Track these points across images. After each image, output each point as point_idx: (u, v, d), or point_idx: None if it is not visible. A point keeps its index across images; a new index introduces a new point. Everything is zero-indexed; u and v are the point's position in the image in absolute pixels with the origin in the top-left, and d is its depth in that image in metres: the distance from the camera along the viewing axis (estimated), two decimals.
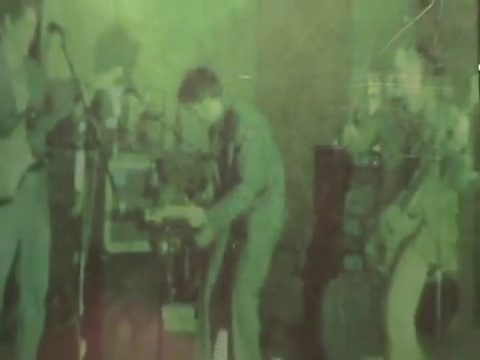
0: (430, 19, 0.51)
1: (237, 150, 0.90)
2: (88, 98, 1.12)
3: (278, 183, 1.17)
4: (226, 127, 0.99)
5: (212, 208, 1.00)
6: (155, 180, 0.85)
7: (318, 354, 0.79)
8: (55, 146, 0.75)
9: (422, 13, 0.47)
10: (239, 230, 0.86)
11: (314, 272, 0.85)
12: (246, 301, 1.11)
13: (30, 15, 1.05)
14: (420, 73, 0.63)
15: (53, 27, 1.18)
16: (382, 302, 0.93)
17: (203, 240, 1.04)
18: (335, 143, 0.85)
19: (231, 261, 0.81)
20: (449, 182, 0.76)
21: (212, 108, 1.07)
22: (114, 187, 0.94)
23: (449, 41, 0.54)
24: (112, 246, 0.77)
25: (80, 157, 0.85)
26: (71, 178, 0.87)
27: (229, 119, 0.98)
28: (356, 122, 0.77)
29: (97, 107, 0.86)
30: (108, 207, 0.79)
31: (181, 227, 0.74)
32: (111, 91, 0.90)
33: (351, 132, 0.76)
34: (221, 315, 0.82)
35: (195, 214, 0.99)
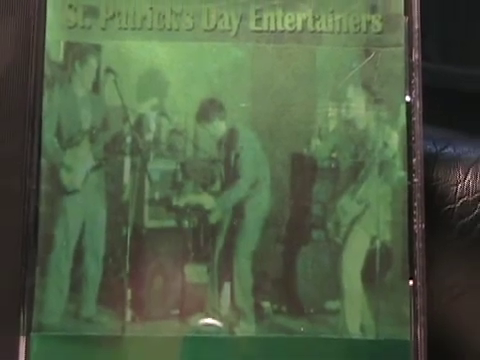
0: (371, 65, 0.48)
1: (237, 156, 0.84)
2: (133, 119, 1.06)
3: (265, 179, 1.10)
4: (229, 140, 0.93)
5: (219, 196, 0.95)
6: (179, 177, 0.79)
7: (294, 298, 0.73)
8: (110, 153, 0.71)
9: (366, 61, 0.45)
10: (238, 211, 0.81)
11: (291, 241, 0.78)
12: (243, 261, 1.05)
13: (92, 61, 1.01)
14: (364, 102, 0.59)
15: (108, 70, 1.16)
16: (338, 262, 0.87)
17: (213, 219, 0.98)
18: (305, 151, 0.79)
19: (233, 233, 0.77)
20: (385, 178, 0.71)
21: (219, 127, 1.01)
22: (150, 182, 0.87)
23: (384, 80, 0.51)
24: (149, 223, 0.72)
25: (127, 161, 0.80)
26: (121, 175, 0.82)
27: (231, 135, 0.92)
28: (320, 136, 0.71)
29: (139, 126, 0.82)
30: (146, 196, 0.74)
31: (197, 210, 0.70)
32: (149, 115, 0.85)
33: (316, 143, 0.71)
34: (225, 271, 0.78)
35: (207, 201, 0.93)
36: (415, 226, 0.29)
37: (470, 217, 0.33)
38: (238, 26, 0.30)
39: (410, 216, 0.29)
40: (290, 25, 0.31)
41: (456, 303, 0.33)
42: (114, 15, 0.30)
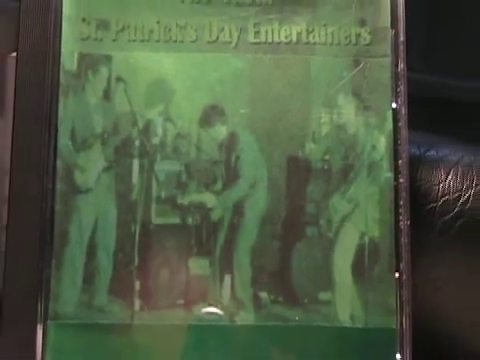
0: (360, 74, 0.48)
1: (237, 158, 0.84)
2: (141, 124, 1.06)
3: (263, 179, 1.09)
4: (230, 143, 0.93)
5: (221, 195, 0.94)
6: (184, 177, 0.79)
7: (290, 290, 0.73)
8: (120, 155, 0.71)
9: (355, 71, 0.44)
10: (238, 209, 0.81)
11: (287, 237, 0.78)
12: (242, 256, 1.04)
13: (103, 71, 1.00)
14: (354, 109, 0.59)
15: (118, 79, 1.15)
16: (330, 257, 0.86)
17: (215, 216, 0.97)
18: (300, 153, 0.79)
19: (233, 229, 0.77)
20: (373, 179, 0.70)
21: (220, 131, 1.00)
22: (157, 182, 0.86)
23: (373, 88, 0.51)
24: (156, 220, 0.72)
25: (136, 162, 0.80)
26: (130, 176, 0.82)
27: (232, 138, 0.92)
28: (313, 140, 0.71)
29: (146, 130, 0.82)
30: (153, 195, 0.74)
31: (200, 208, 0.70)
32: (155, 120, 0.84)
33: (310, 146, 0.70)
34: (226, 265, 0.78)
35: (210, 199, 0.93)
36: (401, 223, 0.29)
37: (450, 215, 0.33)
38: (238, 38, 0.30)
39: (396, 214, 0.29)
40: (286, 37, 0.31)
41: (438, 294, 0.33)
42: (124, 28, 0.30)
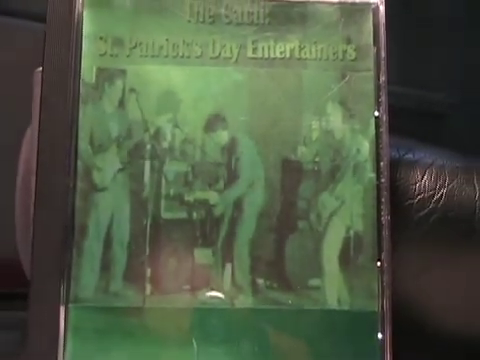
0: (347, 86, 0.47)
1: (237, 160, 0.82)
2: (151, 130, 1.04)
3: (260, 179, 1.07)
4: (231, 147, 0.91)
5: (222, 193, 0.92)
6: (190, 177, 0.77)
7: (283, 277, 0.72)
8: (133, 158, 0.69)
9: (342, 83, 0.44)
10: (238, 206, 0.79)
11: (281, 230, 0.77)
12: (242, 247, 1.03)
13: (118, 83, 0.99)
14: (341, 116, 0.58)
15: (132, 90, 1.14)
16: (319, 247, 0.85)
17: (217, 212, 0.96)
18: (293, 156, 0.77)
19: (233, 223, 0.76)
20: (358, 179, 0.69)
21: (222, 136, 0.98)
22: (166, 181, 0.84)
23: (357, 98, 0.50)
24: (165, 214, 0.70)
25: (147, 164, 0.78)
26: (142, 176, 0.80)
27: (232, 143, 0.89)
28: (305, 144, 0.69)
29: (157, 135, 0.81)
30: (163, 192, 0.73)
31: (204, 204, 0.68)
32: (165, 126, 0.83)
33: (302, 150, 0.69)
34: (227, 255, 0.76)
35: (213, 197, 0.91)
36: (382, 218, 0.29)
37: (425, 211, 0.33)
38: (238, 54, 0.31)
39: (378, 210, 0.30)
40: (281, 53, 0.31)
41: (415, 280, 0.33)
42: (136, 45, 0.30)
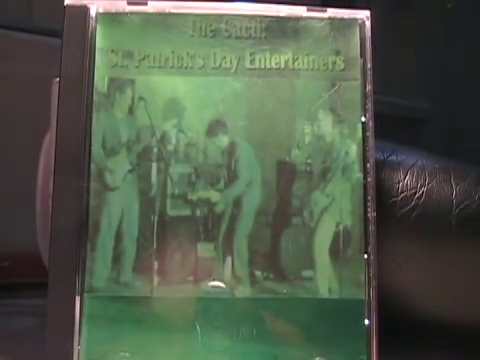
0: (336, 94, 0.47)
1: (236, 162, 0.82)
2: (158, 135, 1.04)
3: (257, 179, 1.06)
4: (230, 150, 0.90)
5: (223, 192, 0.92)
6: (193, 178, 0.77)
7: (279, 268, 0.71)
8: (141, 160, 0.69)
9: (332, 91, 0.43)
10: (237, 204, 0.79)
11: (276, 225, 0.76)
12: (241, 241, 1.02)
13: (128, 92, 0.99)
14: (331, 122, 0.58)
15: (140, 98, 1.14)
16: (311, 241, 0.84)
17: (218, 209, 0.95)
18: (287, 158, 0.76)
19: (233, 220, 0.75)
20: (346, 178, 0.69)
21: (223, 140, 0.98)
22: (172, 181, 0.84)
23: (346, 105, 0.50)
24: (171, 212, 0.70)
25: (154, 166, 0.78)
26: (149, 176, 0.80)
27: (232, 146, 0.89)
28: (298, 147, 0.69)
29: (163, 140, 0.80)
30: (169, 192, 0.72)
31: (207, 202, 0.67)
32: (170, 131, 0.82)
33: (295, 152, 0.68)
34: (228, 248, 0.75)
35: (214, 196, 0.91)
36: (369, 214, 0.29)
37: (408, 207, 0.33)
38: (237, 65, 0.30)
39: (365, 206, 0.29)
40: (276, 64, 0.30)
41: (398, 270, 0.33)
42: (145, 57, 0.30)
